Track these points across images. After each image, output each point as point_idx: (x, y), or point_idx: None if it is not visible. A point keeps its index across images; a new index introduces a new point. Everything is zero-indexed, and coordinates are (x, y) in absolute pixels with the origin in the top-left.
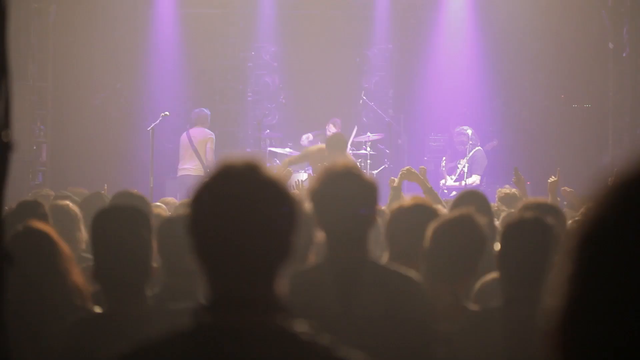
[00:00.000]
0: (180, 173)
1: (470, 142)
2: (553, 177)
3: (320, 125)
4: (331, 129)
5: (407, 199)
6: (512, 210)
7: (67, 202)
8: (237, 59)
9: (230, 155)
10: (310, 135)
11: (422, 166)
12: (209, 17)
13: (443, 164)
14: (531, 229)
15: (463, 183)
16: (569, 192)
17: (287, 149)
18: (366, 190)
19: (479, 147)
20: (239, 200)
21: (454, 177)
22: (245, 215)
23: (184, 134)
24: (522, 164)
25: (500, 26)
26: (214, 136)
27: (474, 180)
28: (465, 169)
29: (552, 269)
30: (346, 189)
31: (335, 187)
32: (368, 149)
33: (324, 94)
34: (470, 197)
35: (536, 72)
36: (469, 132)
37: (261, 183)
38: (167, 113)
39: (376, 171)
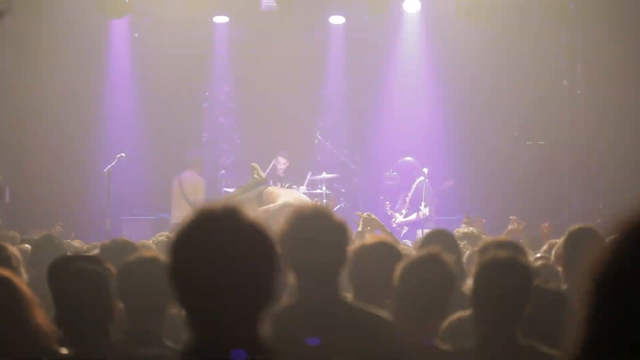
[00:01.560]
0: (173, 221)
1: (414, 173)
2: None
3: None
4: (280, 161)
5: (369, 238)
6: (475, 249)
7: (6, 244)
8: (192, 99)
9: (209, 201)
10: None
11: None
12: (163, 57)
13: (388, 207)
14: (505, 268)
15: (413, 217)
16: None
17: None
18: (336, 232)
19: (422, 178)
20: (220, 245)
21: (404, 213)
22: (227, 260)
23: (175, 178)
24: (479, 201)
25: (454, 64)
26: (203, 182)
27: (423, 212)
28: (407, 200)
29: (525, 308)
30: (316, 230)
31: (306, 228)
32: (324, 188)
33: (279, 134)
34: (438, 236)
35: (491, 110)
36: (411, 161)
37: (241, 227)
38: (123, 154)
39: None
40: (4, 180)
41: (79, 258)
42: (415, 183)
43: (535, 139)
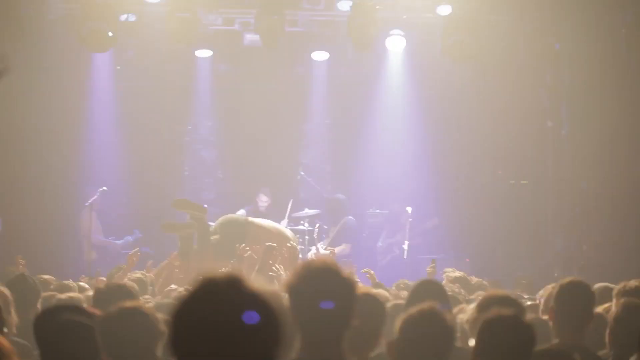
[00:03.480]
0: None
1: (342, 210)
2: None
3: (255, 200)
4: (262, 199)
5: None
6: (463, 301)
7: None
8: (174, 133)
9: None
10: (243, 212)
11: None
12: (145, 90)
13: (316, 230)
14: (509, 326)
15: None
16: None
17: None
18: (344, 289)
19: (350, 217)
20: (222, 317)
21: (323, 245)
22: (230, 332)
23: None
24: (462, 240)
25: (438, 102)
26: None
27: (343, 248)
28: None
29: None
30: (324, 287)
31: (313, 284)
32: (306, 224)
33: (262, 169)
34: (428, 287)
35: (475, 149)
36: (341, 199)
37: (244, 298)
38: (105, 188)
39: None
40: None
41: (66, 309)
42: (343, 220)
43: (519, 178)
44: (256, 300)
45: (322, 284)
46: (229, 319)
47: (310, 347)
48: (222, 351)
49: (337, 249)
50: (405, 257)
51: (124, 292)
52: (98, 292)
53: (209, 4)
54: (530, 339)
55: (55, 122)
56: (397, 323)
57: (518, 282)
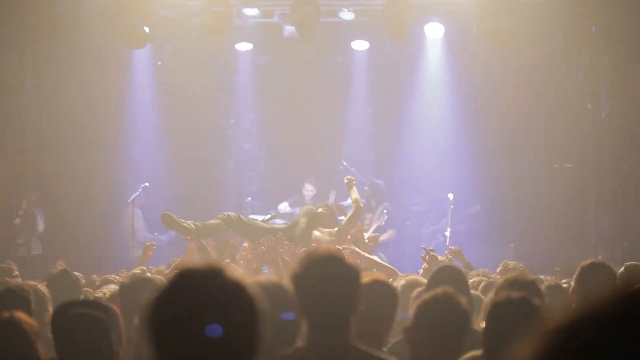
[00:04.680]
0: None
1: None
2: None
3: (300, 191)
4: (308, 189)
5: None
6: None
7: (36, 282)
8: (216, 126)
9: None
10: (286, 204)
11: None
12: (187, 86)
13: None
14: (516, 308)
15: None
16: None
17: (269, 216)
18: (348, 276)
19: (387, 203)
20: (201, 307)
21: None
22: (209, 320)
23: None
24: (505, 225)
25: (479, 88)
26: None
27: (390, 235)
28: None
29: None
30: (328, 274)
31: (317, 272)
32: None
33: (305, 160)
34: (447, 273)
35: (517, 133)
36: (381, 185)
37: (223, 288)
38: (147, 184)
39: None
40: (36, 202)
41: (81, 303)
42: (380, 207)
43: (563, 162)
44: (235, 289)
45: (326, 270)
46: (207, 306)
47: (316, 333)
48: (201, 339)
49: (384, 236)
50: (447, 243)
51: (150, 286)
52: (123, 286)
53: None
54: (537, 321)
55: (97, 119)
56: (412, 309)
57: (553, 271)
